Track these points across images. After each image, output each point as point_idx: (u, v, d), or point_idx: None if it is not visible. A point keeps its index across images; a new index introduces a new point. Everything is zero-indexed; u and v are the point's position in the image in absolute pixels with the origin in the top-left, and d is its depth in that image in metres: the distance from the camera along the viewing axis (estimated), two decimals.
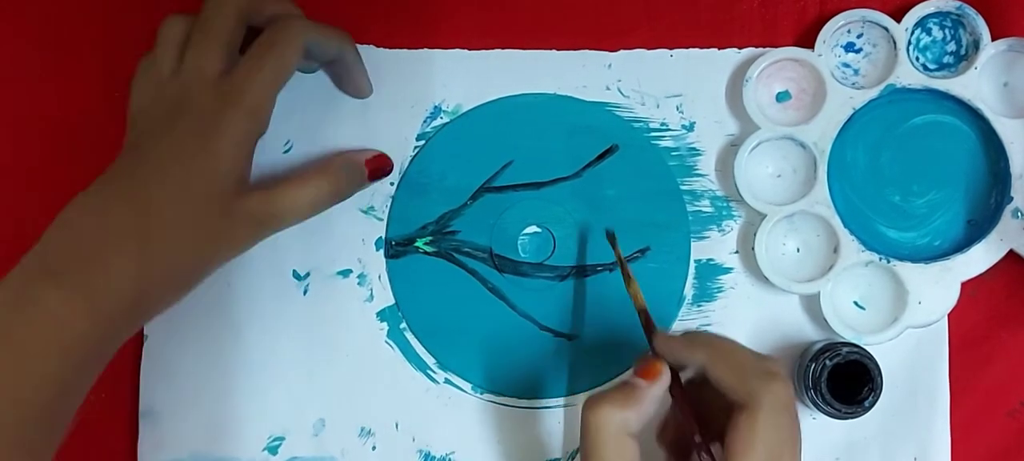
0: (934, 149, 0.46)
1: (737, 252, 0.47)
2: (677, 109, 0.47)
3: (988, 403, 0.46)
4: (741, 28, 0.47)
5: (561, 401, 0.47)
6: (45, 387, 0.35)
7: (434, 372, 0.47)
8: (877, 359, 0.43)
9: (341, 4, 0.46)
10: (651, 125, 0.47)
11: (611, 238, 0.44)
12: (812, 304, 0.46)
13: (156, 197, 0.38)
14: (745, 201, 0.46)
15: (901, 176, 0.46)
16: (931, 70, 0.46)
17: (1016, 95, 0.46)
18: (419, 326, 0.47)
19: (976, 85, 0.45)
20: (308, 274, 0.47)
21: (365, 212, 0.47)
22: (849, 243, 0.45)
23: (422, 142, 0.47)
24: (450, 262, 0.47)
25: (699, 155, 0.47)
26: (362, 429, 0.46)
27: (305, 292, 0.47)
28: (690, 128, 0.47)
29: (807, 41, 0.46)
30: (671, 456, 0.41)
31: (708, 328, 0.46)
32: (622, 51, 0.47)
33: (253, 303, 0.47)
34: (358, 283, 0.47)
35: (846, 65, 0.47)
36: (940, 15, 0.46)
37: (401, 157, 0.47)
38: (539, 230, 0.47)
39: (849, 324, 0.45)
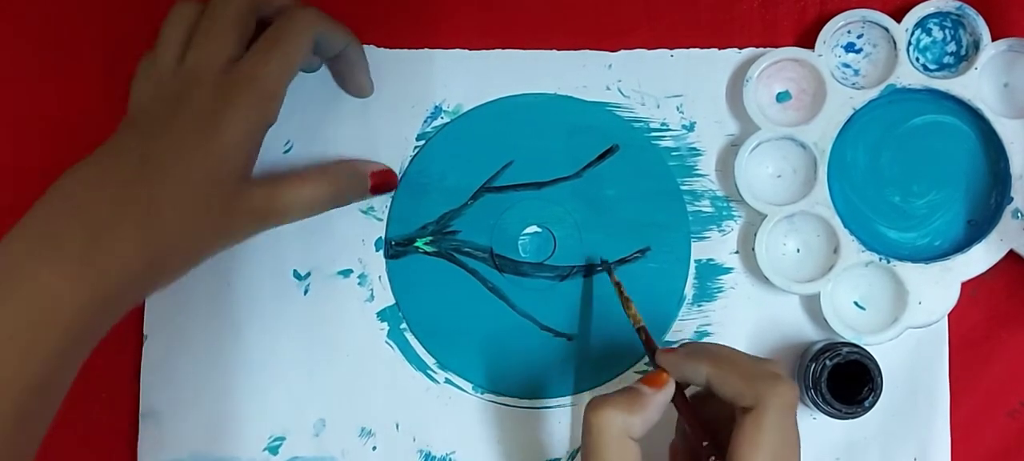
0: (934, 149, 0.46)
1: (737, 252, 0.47)
2: (677, 109, 0.47)
3: (988, 403, 0.46)
4: (741, 28, 0.47)
5: (562, 401, 0.47)
6: (39, 363, 0.34)
7: (434, 372, 0.47)
8: (877, 359, 0.43)
9: (341, 4, 0.46)
10: (651, 125, 0.47)
11: (607, 268, 0.45)
12: (812, 304, 0.46)
13: (161, 175, 0.37)
14: (745, 201, 0.46)
15: (901, 176, 0.46)
16: (931, 70, 0.46)
17: (1016, 95, 0.46)
18: (419, 326, 0.47)
19: (976, 85, 0.45)
20: (308, 274, 0.47)
21: (365, 212, 0.47)
22: (849, 243, 0.45)
23: (422, 142, 0.47)
24: (450, 262, 0.47)
25: (699, 155, 0.47)
26: (362, 429, 0.46)
27: (305, 292, 0.47)
28: (690, 128, 0.47)
29: (807, 41, 0.46)
30: None
31: (708, 328, 0.46)
32: (622, 51, 0.47)
33: (253, 303, 0.47)
34: (358, 283, 0.47)
35: (846, 65, 0.47)
36: (940, 15, 0.46)
37: (401, 157, 0.47)
38: (539, 230, 0.47)
39: (849, 324, 0.45)
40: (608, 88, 0.47)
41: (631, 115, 0.47)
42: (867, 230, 0.46)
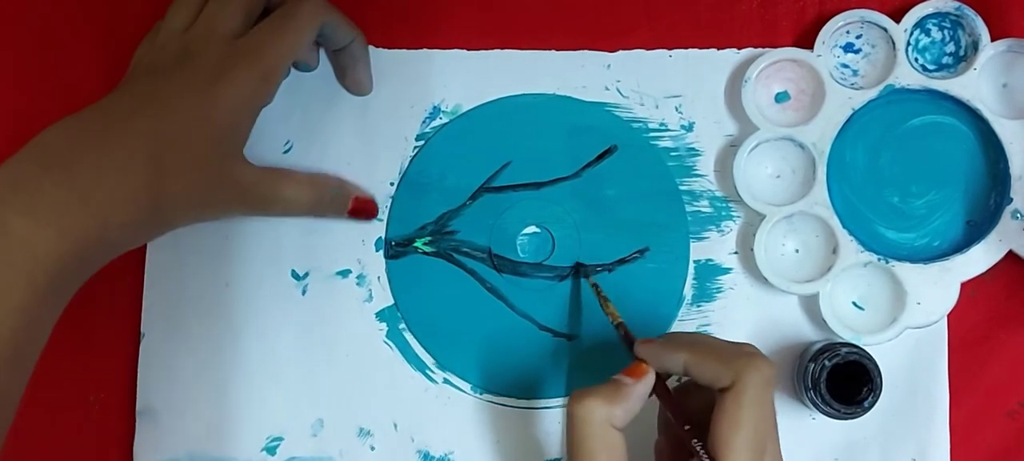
0: (933, 150, 0.46)
1: (736, 252, 0.47)
2: (676, 109, 0.47)
3: (987, 403, 0.46)
4: (740, 28, 0.47)
5: (560, 401, 0.46)
6: (13, 317, 0.34)
7: (433, 372, 0.47)
8: (876, 359, 0.43)
9: (341, 4, 0.46)
10: (650, 125, 0.47)
11: (594, 287, 0.45)
12: (811, 305, 0.46)
13: (167, 111, 0.38)
14: (744, 202, 0.46)
15: (900, 177, 0.46)
16: (930, 71, 0.46)
17: (1015, 96, 0.46)
18: (418, 326, 0.47)
19: (975, 86, 0.45)
20: (307, 274, 0.47)
21: None
22: (848, 244, 0.45)
23: (422, 142, 0.47)
24: (449, 262, 0.47)
25: (698, 155, 0.47)
26: (361, 429, 0.46)
27: (304, 292, 0.47)
28: (689, 128, 0.47)
29: (806, 41, 0.46)
30: None
31: (707, 328, 0.46)
32: (621, 51, 0.47)
33: (252, 303, 0.47)
34: (357, 283, 0.47)
35: (845, 66, 0.47)
36: (939, 16, 0.46)
37: (400, 157, 0.47)
38: (538, 230, 0.47)
39: (848, 324, 0.45)
40: (607, 88, 0.47)
41: (630, 115, 0.47)
42: (866, 230, 0.46)
